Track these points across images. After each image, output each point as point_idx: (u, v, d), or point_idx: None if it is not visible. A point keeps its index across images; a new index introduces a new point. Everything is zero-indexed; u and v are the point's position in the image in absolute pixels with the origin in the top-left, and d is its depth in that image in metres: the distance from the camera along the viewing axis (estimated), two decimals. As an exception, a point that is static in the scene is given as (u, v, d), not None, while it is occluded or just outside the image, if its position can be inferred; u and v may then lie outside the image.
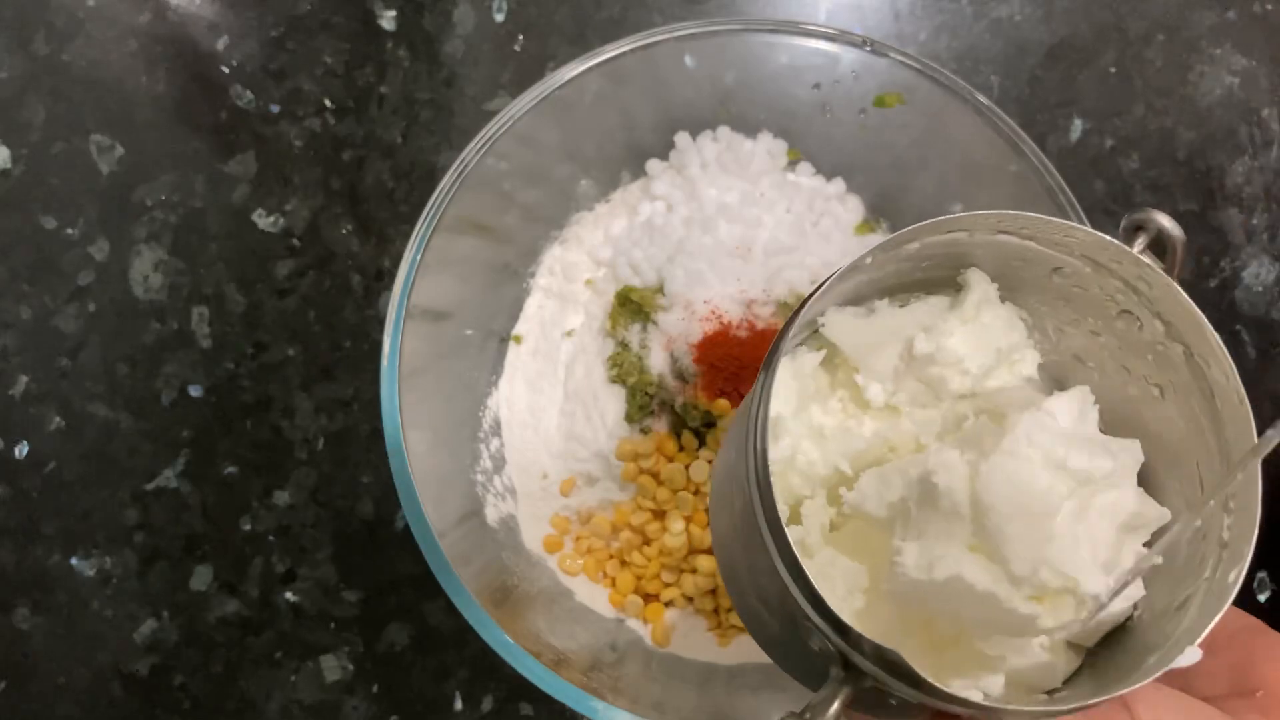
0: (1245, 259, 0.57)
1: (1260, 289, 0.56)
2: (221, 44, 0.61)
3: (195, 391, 0.57)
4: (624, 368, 0.49)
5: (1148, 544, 0.29)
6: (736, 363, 0.48)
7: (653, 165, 0.53)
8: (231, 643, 0.54)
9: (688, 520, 0.47)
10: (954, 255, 0.31)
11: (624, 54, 0.47)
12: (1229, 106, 0.59)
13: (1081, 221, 0.44)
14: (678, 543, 0.47)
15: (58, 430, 0.57)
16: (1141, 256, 0.28)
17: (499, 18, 0.61)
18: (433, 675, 0.53)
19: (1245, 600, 0.43)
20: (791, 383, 0.32)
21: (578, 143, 0.51)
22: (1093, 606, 0.27)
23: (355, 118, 0.60)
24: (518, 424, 0.52)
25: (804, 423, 0.32)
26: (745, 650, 0.48)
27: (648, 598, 0.49)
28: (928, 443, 0.31)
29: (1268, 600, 0.53)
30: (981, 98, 0.45)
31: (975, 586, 0.26)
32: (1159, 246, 0.29)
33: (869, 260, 0.29)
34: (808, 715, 0.25)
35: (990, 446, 0.27)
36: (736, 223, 0.50)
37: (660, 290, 0.50)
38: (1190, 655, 0.25)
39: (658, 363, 0.49)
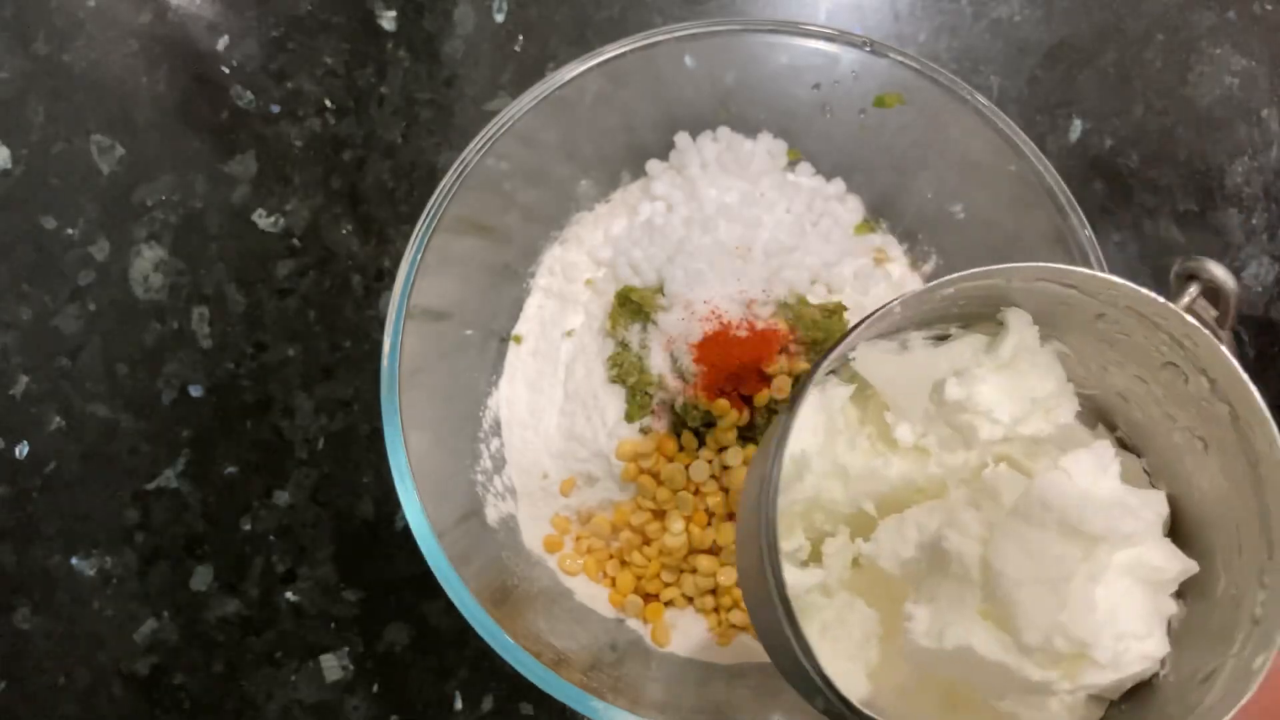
0: (1245, 259, 0.57)
1: (1260, 289, 0.56)
2: (222, 44, 0.61)
3: (196, 391, 0.57)
4: (624, 368, 0.49)
5: (1177, 595, 0.28)
6: (736, 363, 0.48)
7: (653, 165, 0.53)
8: (232, 643, 0.54)
9: (688, 520, 0.47)
10: (993, 296, 0.30)
11: (624, 54, 0.47)
12: (1228, 107, 0.59)
13: (1082, 224, 0.44)
14: (678, 543, 0.47)
15: (58, 430, 0.57)
16: (1188, 316, 0.27)
17: (499, 18, 0.61)
18: (433, 675, 0.53)
19: None
20: (819, 415, 0.31)
21: (578, 143, 0.51)
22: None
23: (355, 118, 0.60)
24: (518, 424, 0.52)
25: (829, 460, 0.31)
26: (745, 650, 0.48)
27: (648, 598, 0.49)
28: (954, 488, 0.30)
29: None
30: (981, 98, 0.45)
31: (985, 657, 0.26)
32: (1211, 294, 0.28)
33: (897, 309, 0.28)
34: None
35: (1007, 501, 0.26)
36: (736, 223, 0.50)
37: (660, 290, 0.50)
38: None
39: (658, 363, 0.49)
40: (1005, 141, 0.45)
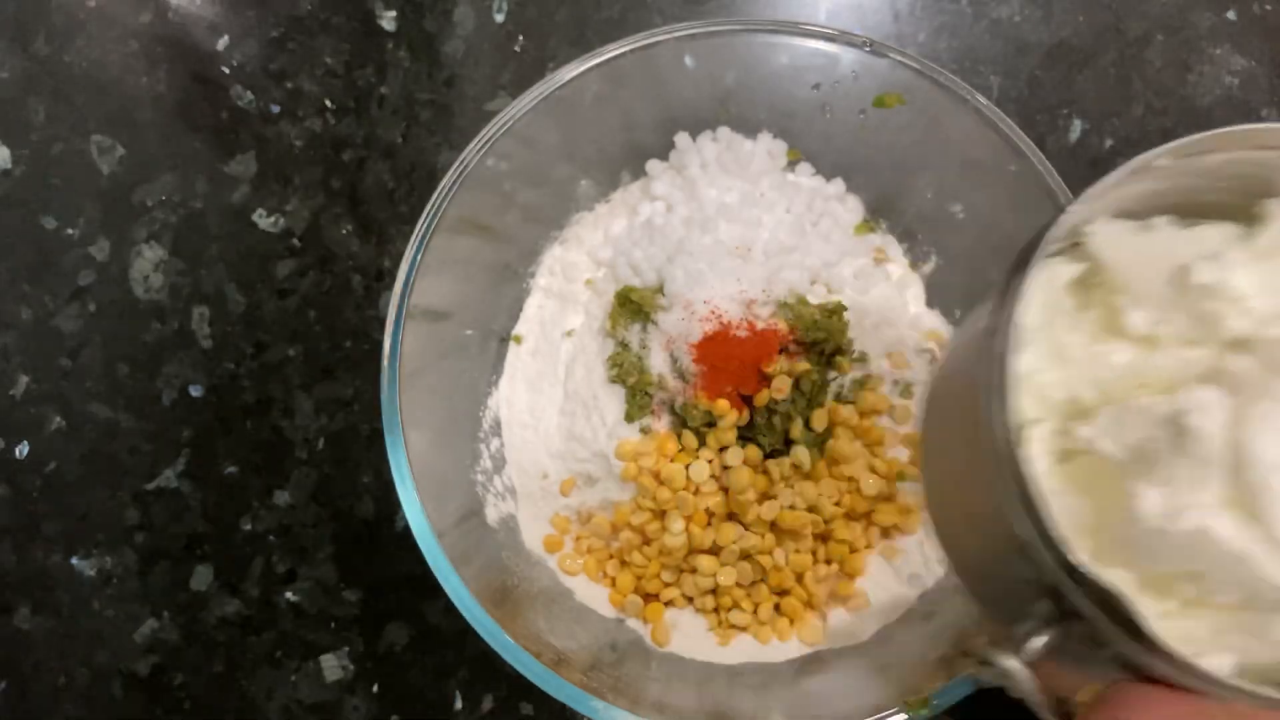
0: (1245, 259, 0.57)
1: (1260, 289, 0.56)
2: (222, 44, 0.61)
3: (196, 391, 0.57)
4: (624, 368, 0.49)
5: None
6: (736, 363, 0.48)
7: (653, 165, 0.53)
8: (232, 642, 0.54)
9: (688, 520, 0.47)
10: (1258, 180, 0.27)
11: (624, 54, 0.47)
12: (1228, 107, 0.59)
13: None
14: (678, 543, 0.47)
15: (58, 430, 0.57)
16: None
17: (499, 18, 0.61)
18: (433, 675, 0.53)
19: None
20: (1038, 294, 0.28)
21: (578, 143, 0.51)
22: None
23: (356, 118, 0.60)
24: (518, 424, 0.52)
25: (1047, 339, 0.28)
26: (745, 650, 0.48)
27: (648, 597, 0.49)
28: (1185, 384, 0.26)
29: None
30: (981, 98, 0.45)
31: (1226, 544, 0.23)
32: None
33: (1161, 162, 0.25)
34: (1001, 654, 0.23)
35: (1260, 393, 0.24)
36: (736, 223, 0.50)
37: (660, 290, 0.50)
38: None
39: (658, 363, 0.49)
40: (1005, 142, 0.45)
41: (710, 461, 0.48)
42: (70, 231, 0.59)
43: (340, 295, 0.58)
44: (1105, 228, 0.28)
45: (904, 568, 0.49)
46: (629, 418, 0.49)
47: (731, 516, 0.48)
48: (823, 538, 0.49)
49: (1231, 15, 0.60)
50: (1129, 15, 0.60)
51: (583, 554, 0.50)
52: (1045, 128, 0.59)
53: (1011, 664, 0.24)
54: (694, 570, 0.48)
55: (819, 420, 0.49)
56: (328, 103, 0.60)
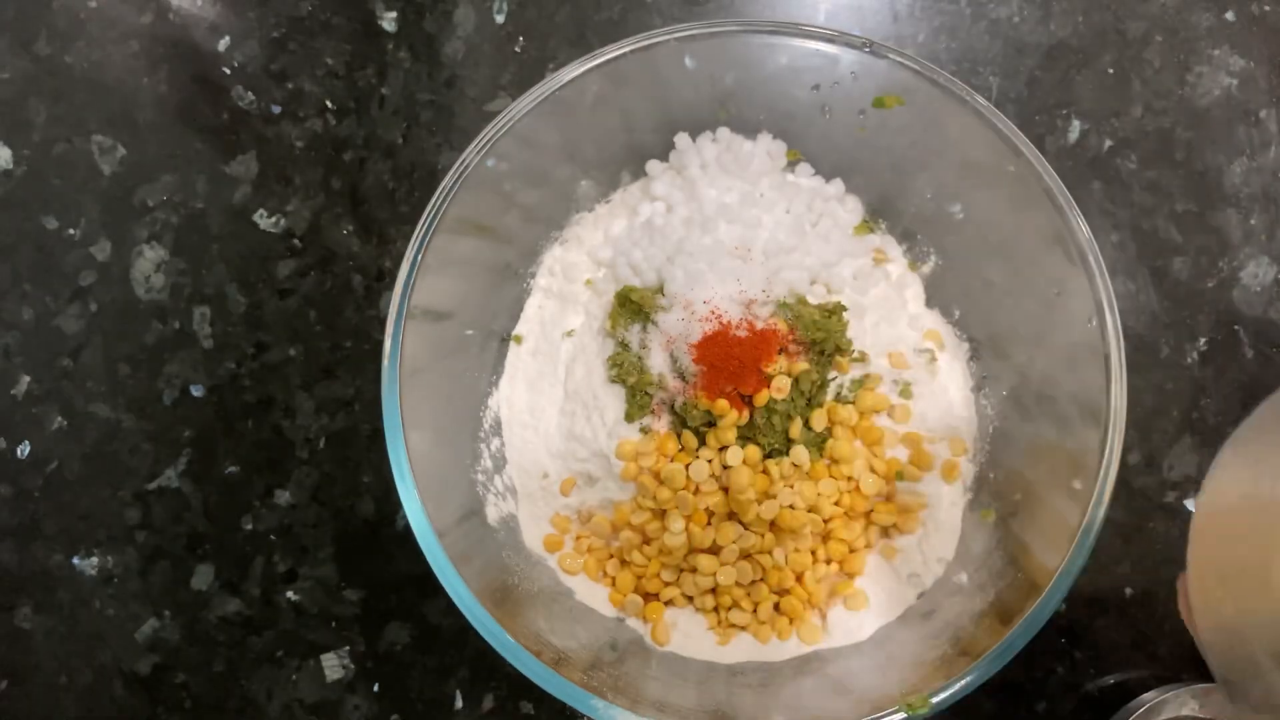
0: (1243, 259, 0.57)
1: (1258, 289, 0.57)
2: (223, 45, 0.62)
3: (197, 391, 0.57)
4: (624, 368, 0.49)
5: None
6: (736, 363, 0.48)
7: (653, 166, 0.53)
8: (233, 642, 0.54)
9: (688, 520, 0.48)
10: None
11: (624, 55, 0.47)
12: (1227, 107, 0.59)
13: (1081, 224, 0.44)
14: (678, 542, 0.47)
15: (59, 430, 0.57)
16: None
17: (499, 19, 0.61)
18: (433, 674, 0.54)
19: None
20: None
21: (578, 144, 0.51)
22: None
23: (356, 118, 0.60)
24: (518, 424, 0.52)
25: None
26: (745, 649, 0.48)
27: (648, 597, 0.49)
28: None
29: None
30: (980, 99, 0.45)
31: None
32: None
33: None
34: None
35: None
36: (736, 223, 0.50)
37: (660, 290, 0.50)
38: None
39: (658, 363, 0.49)
40: (1004, 142, 0.45)
41: (710, 461, 0.48)
42: (71, 232, 0.59)
43: (341, 295, 0.58)
44: None
45: (903, 567, 0.49)
46: (629, 417, 0.49)
47: (731, 516, 0.48)
48: (823, 537, 0.49)
49: (1230, 16, 0.60)
50: (1128, 16, 0.61)
51: (583, 553, 0.50)
52: (1044, 128, 0.59)
53: None
54: (694, 570, 0.48)
55: (819, 420, 0.49)
56: (328, 103, 0.60)
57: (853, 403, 0.50)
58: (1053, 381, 0.47)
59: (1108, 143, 0.59)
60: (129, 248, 0.59)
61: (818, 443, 0.49)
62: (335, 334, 0.57)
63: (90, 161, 0.60)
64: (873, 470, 0.49)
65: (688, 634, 0.49)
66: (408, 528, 0.42)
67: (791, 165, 0.53)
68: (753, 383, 0.48)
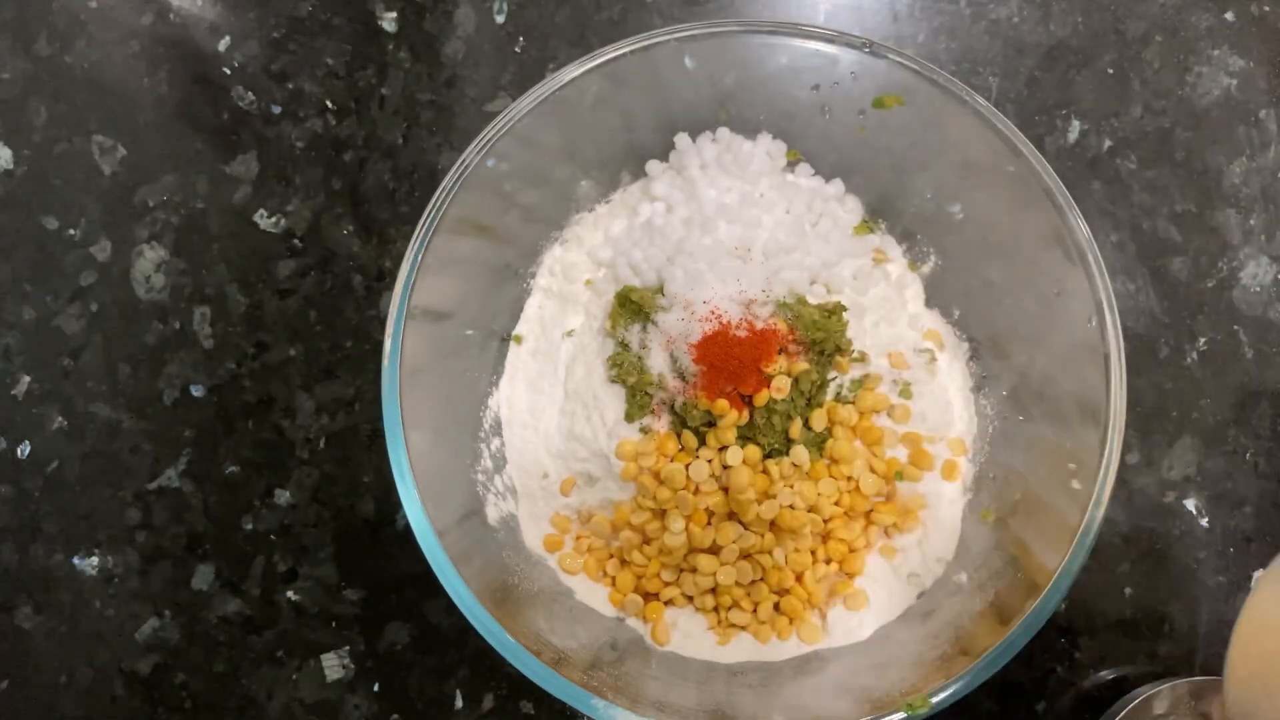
0: (1243, 259, 0.57)
1: (1258, 289, 0.57)
2: (223, 45, 0.62)
3: (197, 391, 0.57)
4: (624, 368, 0.49)
5: None
6: (736, 363, 0.48)
7: (652, 166, 0.53)
8: (233, 642, 0.54)
9: (688, 520, 0.48)
10: None
11: (624, 55, 0.47)
12: (1227, 107, 0.59)
13: (1081, 224, 0.44)
14: (678, 542, 0.47)
15: (60, 430, 0.57)
16: None
17: (500, 19, 0.61)
18: (433, 674, 0.54)
19: None
20: None
21: (578, 144, 0.51)
22: None
23: (356, 119, 0.60)
24: (518, 424, 0.52)
25: None
26: (745, 649, 0.48)
27: (648, 596, 0.49)
28: None
29: None
30: (980, 99, 0.45)
31: None
32: None
33: None
34: None
35: None
36: (736, 223, 0.50)
37: (660, 290, 0.50)
38: None
39: (658, 363, 0.49)
40: (1004, 142, 0.45)
41: (710, 461, 0.48)
42: (72, 232, 0.59)
43: (341, 295, 0.58)
44: None
45: (903, 567, 0.49)
46: (629, 417, 0.49)
47: (731, 516, 0.48)
48: (823, 537, 0.49)
49: (1230, 16, 0.60)
50: (1127, 16, 0.61)
51: (583, 553, 0.50)
52: (1044, 128, 0.59)
53: None
54: (694, 569, 0.48)
55: (818, 420, 0.49)
56: (329, 103, 0.61)
57: (853, 403, 0.50)
58: (1052, 381, 0.47)
59: (1107, 143, 0.59)
60: (129, 248, 0.59)
61: (818, 443, 0.49)
62: (335, 334, 0.57)
63: (90, 161, 0.60)
64: (872, 470, 0.49)
65: (688, 634, 0.49)
66: (408, 527, 0.42)
67: (791, 165, 0.53)
68: (753, 383, 0.48)
